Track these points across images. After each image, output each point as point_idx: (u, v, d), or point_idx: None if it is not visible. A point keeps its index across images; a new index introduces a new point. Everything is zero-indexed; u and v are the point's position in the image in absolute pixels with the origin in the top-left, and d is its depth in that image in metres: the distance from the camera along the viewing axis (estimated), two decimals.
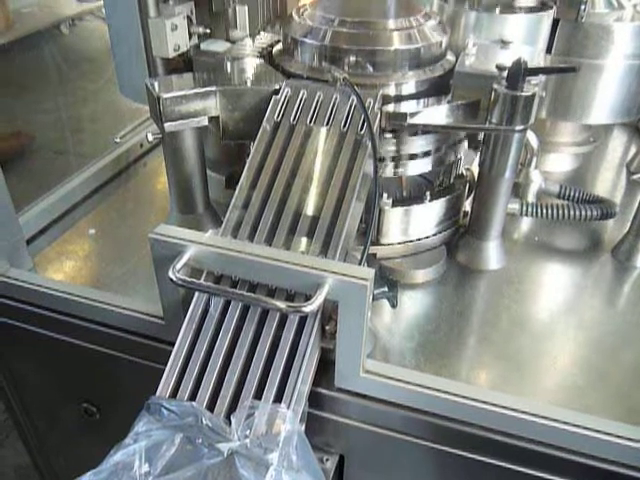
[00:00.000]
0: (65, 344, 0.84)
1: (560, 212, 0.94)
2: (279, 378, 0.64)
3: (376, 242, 0.87)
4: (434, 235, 0.91)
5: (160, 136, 0.86)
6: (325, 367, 0.70)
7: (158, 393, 0.65)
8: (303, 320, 0.66)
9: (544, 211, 0.94)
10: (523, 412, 0.65)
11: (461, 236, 0.93)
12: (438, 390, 0.67)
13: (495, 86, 0.78)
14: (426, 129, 0.82)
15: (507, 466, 0.68)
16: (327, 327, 0.69)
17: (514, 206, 0.94)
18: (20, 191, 0.93)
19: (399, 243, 0.88)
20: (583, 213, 0.93)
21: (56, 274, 0.89)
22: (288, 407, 0.62)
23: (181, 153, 0.86)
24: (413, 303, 0.84)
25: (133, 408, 0.63)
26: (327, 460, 0.77)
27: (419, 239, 0.89)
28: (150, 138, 0.85)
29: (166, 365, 0.66)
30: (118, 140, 1.20)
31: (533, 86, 0.78)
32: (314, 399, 0.70)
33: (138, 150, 1.21)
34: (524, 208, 0.94)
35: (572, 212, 0.93)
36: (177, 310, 0.72)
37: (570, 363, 0.76)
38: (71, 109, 1.41)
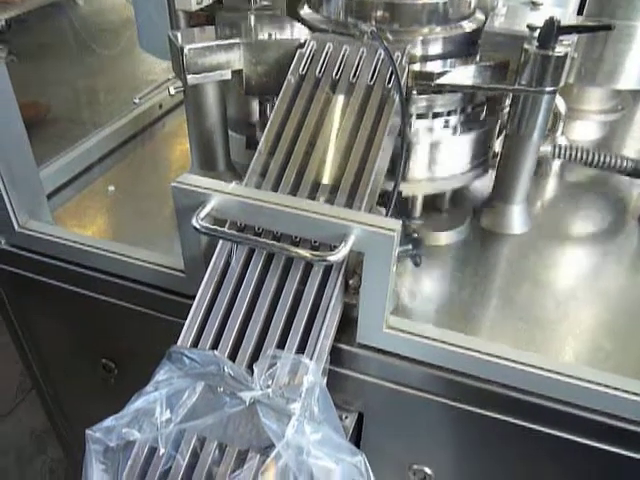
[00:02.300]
0: (84, 298, 0.84)
1: (592, 158, 0.91)
2: (302, 330, 0.63)
3: (403, 178, 0.83)
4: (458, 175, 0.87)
5: (182, 90, 0.84)
6: (347, 324, 0.70)
7: (179, 343, 0.65)
8: (327, 272, 0.65)
9: (576, 154, 0.91)
10: (547, 370, 0.64)
11: (485, 199, 0.92)
12: (462, 347, 0.66)
13: (526, 46, 0.75)
14: (453, 89, 0.79)
15: (529, 426, 0.67)
16: (351, 282, 0.68)
17: (546, 148, 0.91)
18: (37, 158, 0.93)
19: (426, 180, 0.85)
20: (618, 162, 0.90)
21: (75, 229, 0.88)
22: (310, 359, 0.61)
23: (203, 108, 0.84)
24: (435, 265, 0.83)
25: (152, 364, 0.62)
26: (346, 418, 0.76)
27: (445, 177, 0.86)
28: (172, 92, 0.84)
29: (186, 319, 0.65)
30: (137, 101, 1.18)
31: (565, 46, 0.75)
32: (335, 355, 0.70)
33: (157, 111, 1.20)
34: (557, 150, 0.92)
35: (604, 159, 0.91)
36: (198, 263, 0.71)
37: (596, 326, 0.75)
38: (87, 80, 1.41)
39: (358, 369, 0.72)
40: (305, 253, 0.60)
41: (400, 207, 0.86)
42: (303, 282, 0.65)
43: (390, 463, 0.79)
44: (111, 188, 0.97)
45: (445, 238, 0.86)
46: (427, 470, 0.78)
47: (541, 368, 0.64)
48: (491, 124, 0.89)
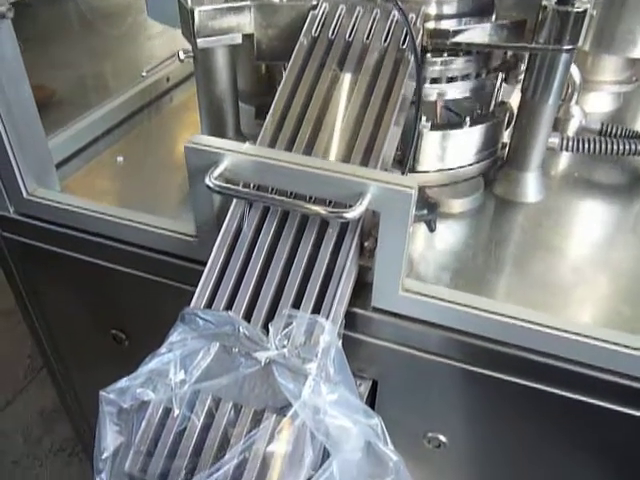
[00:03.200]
0: (93, 266, 0.83)
1: (602, 146, 0.90)
2: (317, 292, 0.62)
3: (412, 169, 0.84)
4: (471, 165, 0.87)
5: (192, 55, 0.83)
6: (361, 288, 0.69)
7: (192, 305, 0.64)
8: (342, 234, 0.64)
9: (585, 145, 0.90)
10: (565, 331, 0.63)
11: (499, 168, 0.90)
12: (479, 309, 0.65)
13: (544, 2, 0.74)
14: (468, 49, 0.78)
15: (546, 389, 0.67)
16: (366, 244, 0.67)
17: (554, 140, 0.90)
18: None
19: (436, 171, 0.85)
20: (627, 147, 0.89)
21: (84, 197, 0.87)
22: (326, 319, 0.61)
23: (213, 74, 0.83)
24: (449, 232, 0.82)
25: (163, 334, 0.62)
26: (360, 385, 0.75)
27: (456, 167, 0.86)
28: (182, 56, 0.82)
29: (198, 283, 0.64)
30: (145, 74, 1.17)
31: (584, 2, 0.74)
32: (349, 320, 0.69)
33: (164, 85, 1.18)
34: (564, 142, 0.91)
35: (615, 146, 0.90)
36: (210, 227, 0.70)
37: (614, 293, 0.73)
38: (91, 64, 1.40)
39: (373, 334, 0.71)
40: (321, 210, 0.59)
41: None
42: (317, 244, 0.64)
43: (404, 431, 0.78)
44: (119, 159, 0.96)
45: (459, 205, 0.85)
46: (442, 437, 0.77)
47: (559, 329, 0.63)
48: (500, 115, 0.88)
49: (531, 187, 0.88)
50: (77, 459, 1.61)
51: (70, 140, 0.96)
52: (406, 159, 0.72)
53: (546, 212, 0.86)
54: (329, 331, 0.60)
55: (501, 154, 0.92)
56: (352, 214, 0.58)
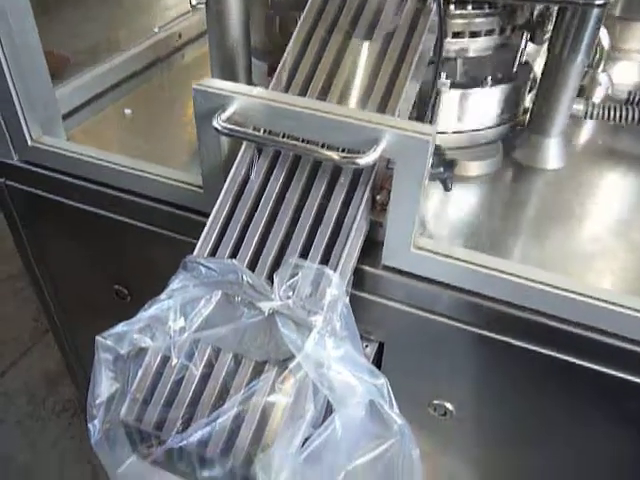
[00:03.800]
0: (97, 218, 0.81)
1: (629, 114, 0.86)
2: (325, 243, 0.59)
3: None
4: (491, 128, 0.84)
5: (204, 1, 0.80)
6: (371, 247, 0.66)
7: (195, 253, 0.61)
8: (354, 183, 0.61)
9: (611, 113, 0.86)
10: (586, 296, 0.60)
11: (520, 133, 0.87)
12: (496, 270, 0.62)
13: None
14: (495, 1, 0.74)
15: (563, 357, 0.64)
16: (378, 197, 0.64)
17: (578, 106, 0.87)
18: None
19: (453, 132, 0.82)
20: None
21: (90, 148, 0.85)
22: (334, 272, 0.58)
23: (225, 20, 0.79)
24: (465, 195, 0.79)
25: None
26: (366, 347, 0.73)
27: (475, 130, 0.83)
28: (194, 2, 0.79)
29: (202, 230, 0.62)
30: (157, 30, 1.15)
31: None
32: (358, 279, 0.66)
33: (176, 41, 1.15)
34: (589, 109, 0.87)
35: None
36: (217, 177, 0.68)
37: (635, 264, 0.70)
38: (104, 33, 1.37)
39: (382, 293, 0.68)
40: (333, 155, 0.56)
41: None
42: (328, 195, 0.61)
43: (409, 398, 0.75)
44: (127, 111, 0.94)
45: (476, 168, 0.82)
46: (448, 405, 0.75)
47: (579, 294, 0.60)
48: (523, 76, 0.84)
49: (552, 153, 0.84)
50: (79, 420, 1.60)
51: (77, 91, 0.94)
52: (425, 116, 0.69)
53: (567, 180, 0.83)
54: (337, 284, 0.57)
55: (522, 119, 0.88)
56: (365, 160, 0.55)
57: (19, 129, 0.79)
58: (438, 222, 0.74)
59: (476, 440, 0.79)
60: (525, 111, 0.88)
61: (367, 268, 0.67)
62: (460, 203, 0.77)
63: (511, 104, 0.85)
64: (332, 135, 0.58)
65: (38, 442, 1.58)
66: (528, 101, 0.88)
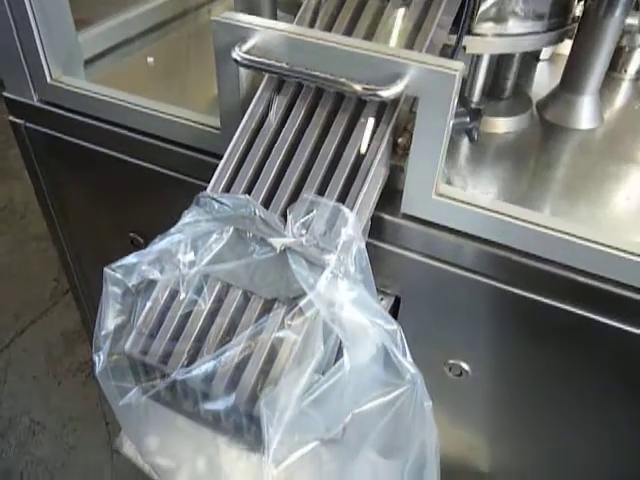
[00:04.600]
0: (116, 161, 0.80)
1: None
2: (343, 182, 0.57)
3: (468, 31, 0.70)
4: (537, 33, 0.77)
5: None
6: (391, 195, 0.64)
7: (209, 190, 0.60)
8: (376, 123, 0.59)
9: None
10: (619, 250, 0.56)
11: (551, 92, 0.83)
12: (522, 220, 0.59)
13: None
14: None
15: (589, 316, 0.61)
16: (400, 140, 0.61)
17: (633, 21, 0.80)
18: None
19: (495, 35, 0.75)
20: None
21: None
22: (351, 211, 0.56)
23: None
24: (491, 151, 0.76)
25: None
26: (382, 300, 0.71)
27: (516, 34, 0.76)
28: None
29: (217, 167, 0.60)
30: None
31: None
32: (376, 227, 0.64)
33: None
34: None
35: None
36: (235, 118, 0.65)
37: None
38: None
39: (400, 243, 0.66)
40: (356, 86, 0.54)
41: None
42: (348, 134, 0.59)
43: (424, 356, 0.72)
44: (150, 59, 0.92)
45: (504, 125, 0.79)
46: (464, 365, 0.73)
47: (611, 247, 0.57)
48: None
49: (585, 112, 0.80)
50: (94, 381, 1.61)
51: (100, 37, 0.92)
52: (455, 46, 0.65)
53: (600, 140, 0.79)
54: (352, 224, 0.55)
55: (570, 29, 0.78)
56: (388, 92, 0.52)
57: (39, 67, 0.78)
58: (461, 177, 0.71)
59: (491, 402, 0.76)
60: (574, 19, 0.81)
61: (386, 216, 0.64)
62: (485, 158, 0.74)
63: (559, 8, 0.78)
64: (355, 70, 0.56)
65: (53, 399, 1.59)
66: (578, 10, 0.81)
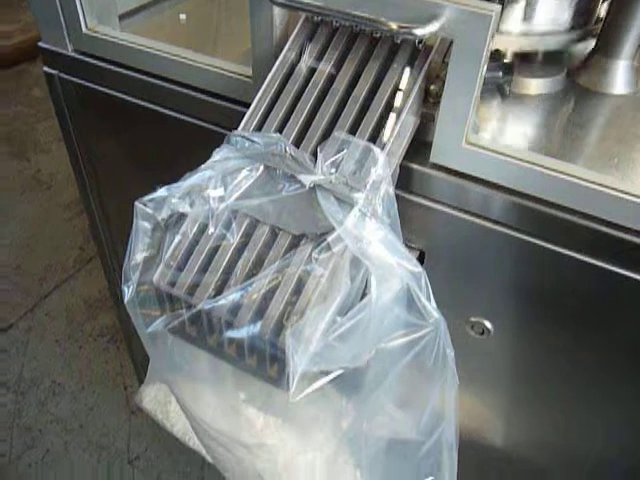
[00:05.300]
0: (148, 112, 0.81)
1: None
2: (374, 124, 0.57)
3: None
4: (560, 33, 0.77)
5: None
6: (420, 147, 0.63)
7: (240, 129, 0.60)
8: (409, 68, 0.58)
9: None
10: None
11: (585, 57, 0.82)
12: (557, 171, 0.58)
13: None
14: None
15: (622, 272, 0.60)
16: (432, 87, 0.61)
17: None
18: None
19: (520, 34, 0.75)
20: None
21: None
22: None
23: None
24: (523, 111, 0.75)
25: None
26: None
27: (542, 33, 0.76)
28: None
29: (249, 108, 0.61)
30: None
31: None
32: (404, 177, 0.64)
33: None
34: None
35: None
36: (268, 66, 0.66)
37: None
38: None
39: (428, 195, 0.66)
40: (391, 24, 0.54)
41: None
42: (379, 83, 0.59)
43: (447, 313, 0.72)
44: (182, 16, 0.93)
45: (536, 86, 0.78)
46: (487, 324, 0.72)
47: None
48: None
49: (620, 77, 0.79)
50: (114, 347, 1.64)
51: None
52: None
53: (634, 105, 0.78)
54: (382, 165, 0.55)
55: (594, 29, 0.80)
56: (423, 31, 0.52)
57: (75, 16, 0.79)
58: (490, 136, 0.71)
59: (512, 363, 0.76)
60: (598, 20, 0.81)
61: (414, 166, 0.64)
62: (516, 118, 0.74)
63: (584, 9, 0.78)
64: (391, 11, 0.56)
65: (73, 362, 1.62)
66: (603, 10, 0.81)
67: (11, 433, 1.45)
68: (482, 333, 0.73)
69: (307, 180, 0.54)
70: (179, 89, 0.76)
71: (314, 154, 0.56)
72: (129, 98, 0.81)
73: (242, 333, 0.50)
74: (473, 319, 0.73)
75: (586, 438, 0.81)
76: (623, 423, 0.75)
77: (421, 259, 0.71)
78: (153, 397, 0.95)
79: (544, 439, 0.85)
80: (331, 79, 0.61)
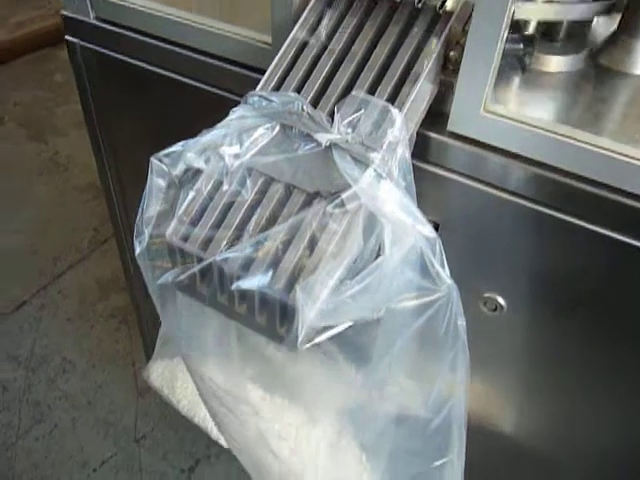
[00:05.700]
0: (165, 79, 0.81)
1: None
2: (392, 85, 0.57)
3: None
4: (585, 2, 0.75)
5: None
6: (437, 116, 0.63)
7: (258, 89, 0.60)
8: (428, 34, 0.58)
9: None
10: None
11: (608, 36, 0.81)
12: (578, 140, 0.57)
13: None
14: None
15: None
16: (451, 53, 0.61)
17: None
18: None
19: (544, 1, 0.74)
20: None
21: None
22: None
23: None
24: (543, 86, 0.74)
25: None
26: None
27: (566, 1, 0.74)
28: None
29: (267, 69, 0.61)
30: None
31: None
32: (421, 145, 0.63)
33: None
34: None
35: None
36: (286, 33, 0.65)
37: None
38: None
39: (444, 164, 0.65)
40: None
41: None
42: (397, 47, 0.59)
43: (461, 288, 0.72)
44: None
45: (556, 64, 0.76)
46: (500, 300, 0.72)
47: None
48: None
49: None
50: (126, 327, 1.65)
51: None
52: None
53: None
54: (399, 127, 0.55)
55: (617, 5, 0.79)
56: None
57: None
58: (510, 105, 0.70)
59: (525, 340, 0.75)
60: None
61: (431, 134, 0.64)
62: (536, 93, 0.73)
63: None
64: None
65: (84, 341, 1.63)
66: None
67: (20, 407, 1.47)
68: (495, 309, 0.72)
69: (323, 139, 0.54)
70: (197, 56, 0.76)
71: (331, 114, 0.56)
72: (148, 66, 0.82)
73: (253, 283, 0.50)
74: (486, 295, 0.72)
75: (598, 428, 0.79)
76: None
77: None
78: (160, 373, 0.95)
79: (554, 427, 0.84)
80: (350, 44, 0.60)
